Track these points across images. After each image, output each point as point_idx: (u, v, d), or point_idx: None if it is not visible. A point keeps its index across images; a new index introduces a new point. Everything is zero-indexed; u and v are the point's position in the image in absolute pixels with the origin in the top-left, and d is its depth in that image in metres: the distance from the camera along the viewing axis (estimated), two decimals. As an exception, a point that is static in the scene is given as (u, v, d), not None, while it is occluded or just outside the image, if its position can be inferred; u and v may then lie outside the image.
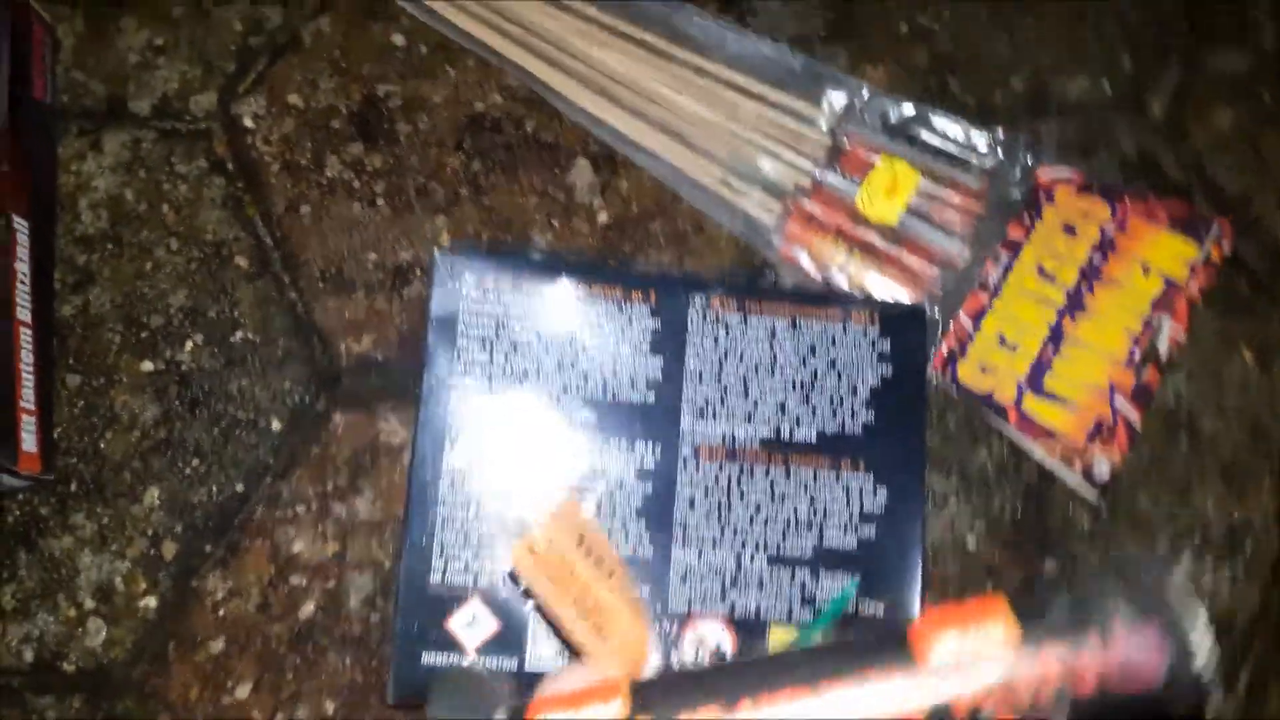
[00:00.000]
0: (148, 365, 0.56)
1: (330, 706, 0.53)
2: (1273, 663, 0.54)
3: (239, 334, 0.57)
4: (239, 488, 0.55)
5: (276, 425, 0.56)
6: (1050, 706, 0.20)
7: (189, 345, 0.57)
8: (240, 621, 0.53)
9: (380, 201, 0.59)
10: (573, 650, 0.28)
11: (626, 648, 0.28)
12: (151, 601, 0.54)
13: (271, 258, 0.58)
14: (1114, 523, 0.56)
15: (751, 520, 0.51)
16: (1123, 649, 0.20)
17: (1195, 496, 0.56)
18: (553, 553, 0.29)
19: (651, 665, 0.25)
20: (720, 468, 0.52)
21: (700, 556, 0.51)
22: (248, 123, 0.60)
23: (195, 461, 0.55)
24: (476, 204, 0.59)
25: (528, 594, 0.32)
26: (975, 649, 0.21)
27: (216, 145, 0.59)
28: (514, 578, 0.30)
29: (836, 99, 0.61)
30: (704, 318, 0.53)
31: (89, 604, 0.53)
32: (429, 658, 0.49)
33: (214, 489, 0.55)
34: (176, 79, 0.61)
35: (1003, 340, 0.57)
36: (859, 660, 0.22)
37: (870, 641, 0.22)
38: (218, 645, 0.53)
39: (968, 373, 0.57)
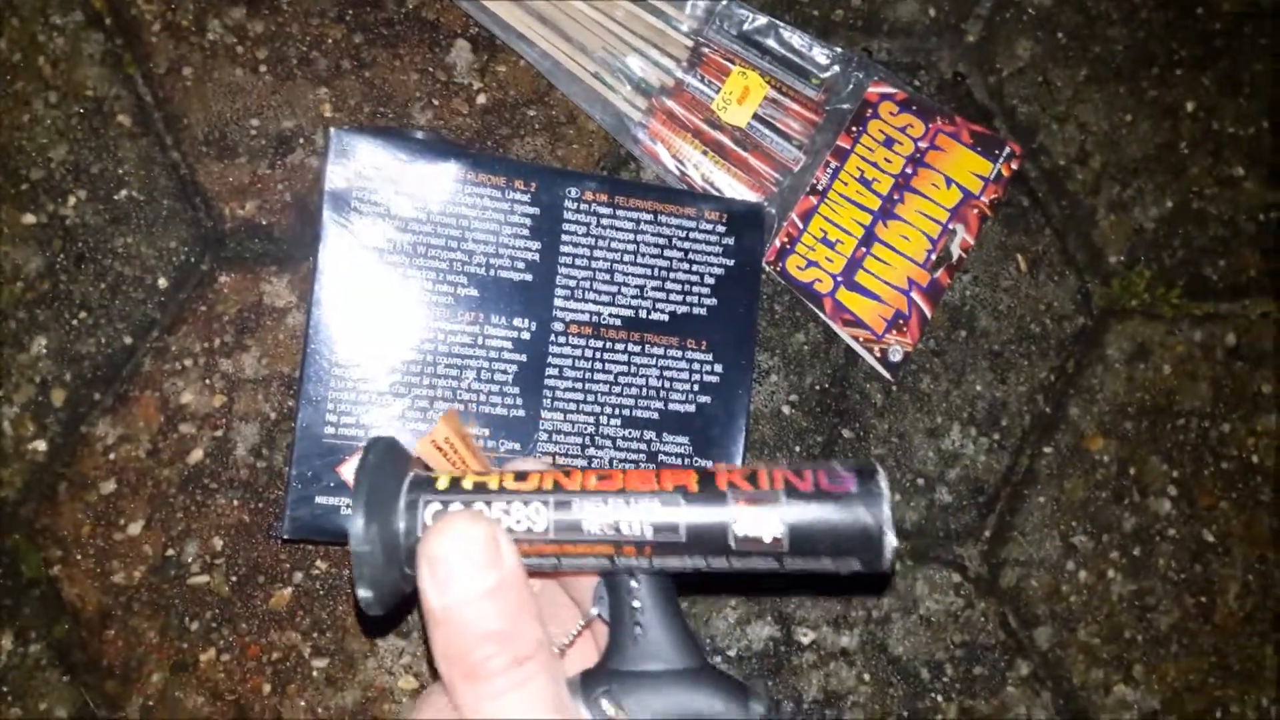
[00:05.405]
0: (29, 218, 0.57)
1: (218, 543, 0.58)
2: (1012, 515, 0.67)
3: (124, 192, 0.58)
4: (127, 340, 0.57)
5: (163, 283, 0.58)
6: (780, 492, 0.33)
7: (72, 200, 0.57)
8: (130, 465, 0.57)
9: (263, 69, 0.60)
10: None
11: None
12: (41, 445, 0.56)
13: (153, 118, 0.59)
14: (901, 399, 0.67)
15: (609, 388, 0.59)
16: (830, 471, 0.33)
17: (967, 380, 0.68)
18: (447, 443, 0.38)
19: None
20: (586, 342, 0.59)
21: (565, 418, 0.58)
22: (127, -24, 0.59)
23: (82, 314, 0.57)
24: (358, 77, 0.61)
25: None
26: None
27: (95, -2, 0.58)
28: (422, 464, 0.39)
29: (699, 3, 0.66)
30: (578, 208, 0.59)
31: (-23, 446, 0.55)
32: (322, 500, 0.54)
33: (102, 340, 0.57)
34: (43, -82, 0.59)
35: (825, 239, 0.66)
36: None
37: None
38: (108, 486, 0.57)
39: (794, 266, 0.66)
